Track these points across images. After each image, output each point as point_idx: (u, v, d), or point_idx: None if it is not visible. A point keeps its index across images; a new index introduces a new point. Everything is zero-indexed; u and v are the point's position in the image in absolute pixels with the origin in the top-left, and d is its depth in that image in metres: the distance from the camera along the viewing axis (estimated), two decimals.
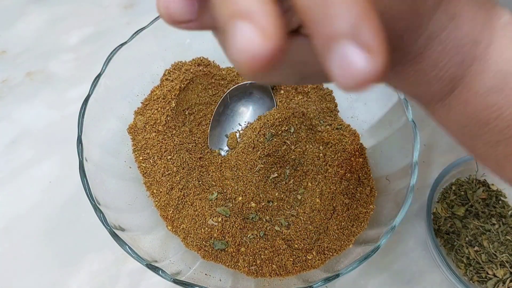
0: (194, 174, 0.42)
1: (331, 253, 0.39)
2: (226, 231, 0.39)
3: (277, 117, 0.44)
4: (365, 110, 0.46)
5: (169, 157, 0.42)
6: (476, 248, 0.41)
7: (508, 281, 0.39)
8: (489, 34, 0.17)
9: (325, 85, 0.47)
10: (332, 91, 0.46)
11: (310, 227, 0.40)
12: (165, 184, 0.41)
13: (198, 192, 0.41)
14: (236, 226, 0.39)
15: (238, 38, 0.11)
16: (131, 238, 0.35)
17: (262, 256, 0.38)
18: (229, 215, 0.40)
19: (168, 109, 0.44)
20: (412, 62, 0.18)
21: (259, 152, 0.42)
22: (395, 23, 0.16)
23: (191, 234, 0.39)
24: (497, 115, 0.18)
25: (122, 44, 0.41)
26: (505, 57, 0.17)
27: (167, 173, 0.41)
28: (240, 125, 0.46)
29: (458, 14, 0.17)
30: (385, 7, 0.16)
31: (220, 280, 0.38)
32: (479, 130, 0.19)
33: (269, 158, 0.42)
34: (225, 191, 0.41)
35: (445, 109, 0.19)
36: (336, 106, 0.46)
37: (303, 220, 0.41)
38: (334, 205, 0.41)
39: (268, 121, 0.44)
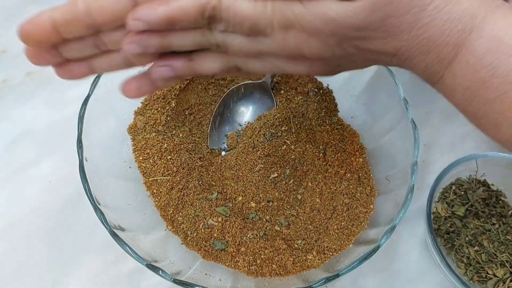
0: (194, 174, 0.42)
1: (331, 253, 0.39)
2: (226, 231, 0.39)
3: (277, 117, 0.44)
4: (365, 110, 0.46)
5: (169, 157, 0.42)
6: (476, 248, 0.41)
7: (508, 281, 0.39)
8: (485, 10, 0.22)
9: (325, 85, 0.47)
10: (332, 91, 0.46)
11: (310, 227, 0.40)
12: (165, 184, 0.41)
13: (198, 192, 0.41)
14: (236, 226, 0.39)
15: None
16: (131, 238, 0.35)
17: (262, 256, 0.38)
18: (229, 215, 0.40)
19: (168, 109, 0.44)
20: (425, 29, 0.22)
21: (259, 152, 0.42)
22: None
23: (191, 234, 0.39)
24: (492, 73, 0.22)
25: None
26: (497, 26, 0.22)
27: (167, 173, 0.41)
28: (240, 125, 0.46)
29: None
30: None
31: (220, 280, 0.38)
32: (478, 90, 0.22)
33: (269, 158, 0.42)
34: (225, 191, 0.41)
35: (451, 74, 0.23)
36: (336, 106, 0.46)
37: (303, 220, 0.41)
38: (334, 205, 0.41)
39: (268, 121, 0.44)
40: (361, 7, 0.22)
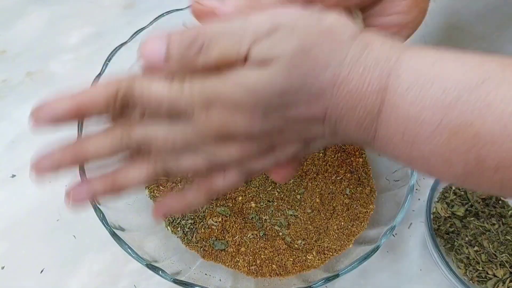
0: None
1: (331, 253, 0.39)
2: (226, 231, 0.39)
3: None
4: None
5: None
6: (476, 248, 0.41)
7: (508, 281, 0.39)
8: (397, 52, 0.22)
9: None
10: None
11: (310, 227, 0.40)
12: (165, 184, 0.41)
13: None
14: (236, 226, 0.39)
15: None
16: (131, 238, 0.35)
17: (262, 256, 0.38)
18: (229, 215, 0.40)
19: None
20: (345, 83, 0.21)
21: None
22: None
23: (191, 234, 0.39)
24: (421, 107, 0.20)
25: (122, 44, 0.41)
26: (413, 61, 0.21)
27: None
28: None
29: (370, 43, 0.22)
30: None
31: (220, 280, 0.38)
32: (415, 130, 0.21)
33: None
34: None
35: (384, 123, 0.22)
36: None
37: (303, 220, 0.41)
38: (334, 205, 0.41)
39: None
40: (277, 71, 0.21)
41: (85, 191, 0.25)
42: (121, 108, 0.22)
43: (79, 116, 0.22)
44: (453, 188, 0.44)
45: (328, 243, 0.39)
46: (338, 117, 0.23)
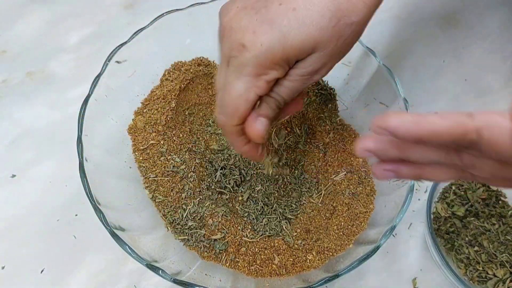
0: (194, 174, 0.42)
1: (331, 253, 0.39)
2: (226, 231, 0.39)
3: None
4: (365, 110, 0.46)
5: (169, 157, 0.42)
6: (476, 248, 0.41)
7: (508, 281, 0.39)
8: None
9: (326, 84, 0.47)
10: (333, 90, 0.46)
11: (310, 227, 0.40)
12: (165, 184, 0.41)
13: (198, 192, 0.41)
14: (236, 226, 0.39)
15: None
16: (131, 238, 0.35)
17: (262, 256, 0.38)
18: (229, 215, 0.40)
19: (168, 109, 0.44)
20: None
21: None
22: None
23: (191, 234, 0.39)
24: None
25: (122, 44, 0.41)
26: None
27: (167, 173, 0.41)
28: None
29: None
30: None
31: (220, 280, 0.38)
32: None
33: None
34: (225, 191, 0.41)
35: None
36: (336, 106, 0.46)
37: (303, 220, 0.41)
38: (334, 205, 0.41)
39: None
40: None
41: (393, 172, 0.26)
42: (458, 147, 0.22)
43: (415, 140, 0.22)
44: (453, 188, 0.44)
45: (328, 243, 0.39)
46: None
